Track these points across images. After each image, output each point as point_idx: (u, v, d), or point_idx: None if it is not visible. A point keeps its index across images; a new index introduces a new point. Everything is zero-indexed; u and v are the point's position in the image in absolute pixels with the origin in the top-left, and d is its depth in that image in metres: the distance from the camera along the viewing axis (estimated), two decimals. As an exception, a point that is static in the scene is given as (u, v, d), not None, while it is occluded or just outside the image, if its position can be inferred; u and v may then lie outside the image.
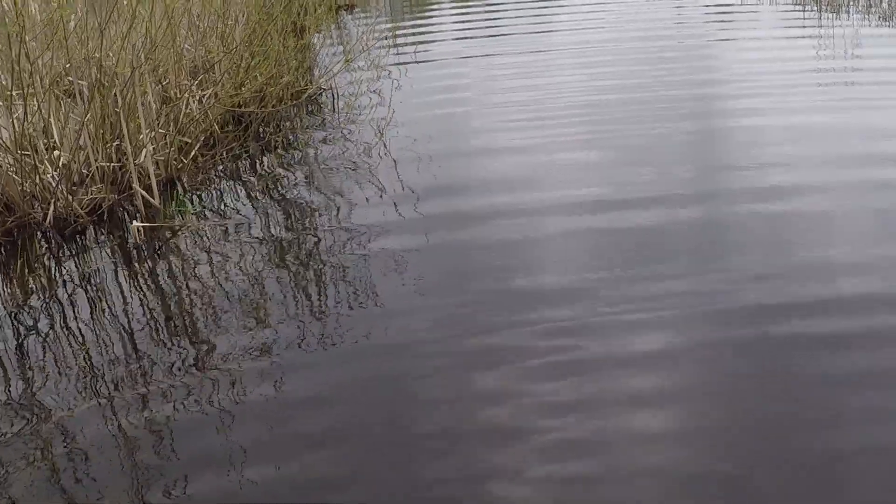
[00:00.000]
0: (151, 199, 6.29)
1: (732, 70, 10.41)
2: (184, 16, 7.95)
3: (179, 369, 4.24)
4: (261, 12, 8.36)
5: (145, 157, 6.32)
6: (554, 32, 14.89)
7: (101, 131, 6.62)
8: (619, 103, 9.02)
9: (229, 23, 8.96)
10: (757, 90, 9.23)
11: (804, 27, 12.95)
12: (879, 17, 13.10)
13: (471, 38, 15.01)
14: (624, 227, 5.53)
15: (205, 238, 5.90)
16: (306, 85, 9.66)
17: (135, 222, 5.78)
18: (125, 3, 6.68)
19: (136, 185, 6.22)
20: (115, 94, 6.38)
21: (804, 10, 14.47)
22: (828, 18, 13.43)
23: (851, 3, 14.41)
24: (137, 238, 5.78)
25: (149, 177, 6.40)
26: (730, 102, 8.76)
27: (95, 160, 6.58)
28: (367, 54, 11.26)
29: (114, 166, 6.62)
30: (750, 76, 9.93)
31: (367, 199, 6.42)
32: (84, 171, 6.74)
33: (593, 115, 8.59)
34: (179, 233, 5.94)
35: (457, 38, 14.99)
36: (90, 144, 6.56)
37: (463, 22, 17.56)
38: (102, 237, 6.16)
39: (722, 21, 15.00)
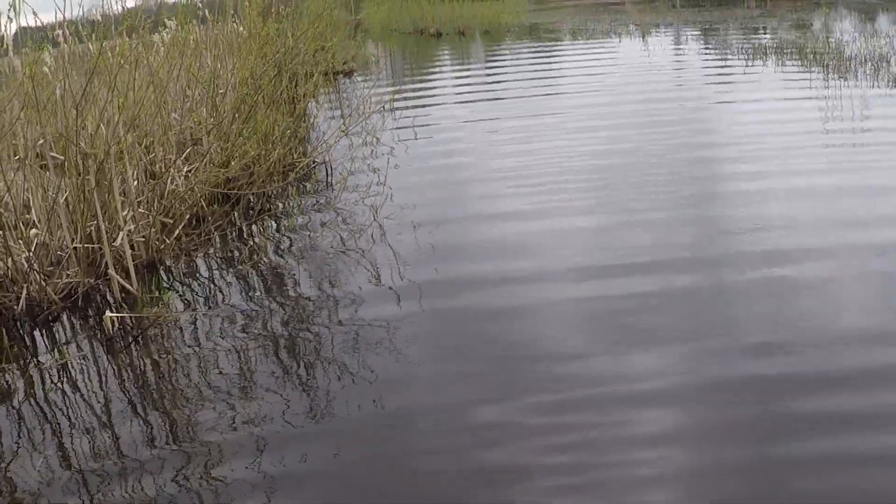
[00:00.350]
0: (128, 286, 5.87)
1: (736, 133, 10.06)
2: (167, 86, 7.59)
3: (157, 458, 3.93)
4: (248, 84, 7.98)
5: (122, 240, 5.91)
6: (555, 96, 14.63)
7: (82, 207, 6.22)
8: (619, 168, 8.71)
9: (220, 91, 8.61)
10: (761, 153, 8.86)
11: (810, 90, 12.59)
12: (888, 81, 12.78)
13: (471, 101, 14.73)
14: (624, 294, 5.34)
15: (185, 325, 5.48)
16: (299, 158, 9.27)
17: (108, 313, 5.35)
18: (110, 73, 6.31)
19: (111, 271, 5.80)
20: (91, 171, 5.99)
21: (810, 74, 14.16)
22: (834, 81, 13.09)
23: (859, 66, 14.09)
24: (111, 329, 5.35)
25: (128, 260, 5.98)
26: (733, 166, 8.43)
27: (72, 241, 6.18)
28: (364, 123, 10.89)
29: (92, 248, 6.22)
30: (754, 139, 9.57)
31: (359, 281, 5.98)
32: (60, 251, 6.34)
33: (593, 181, 8.24)
34: (158, 321, 5.52)
35: (457, 102, 14.72)
36: (66, 224, 6.16)
37: (463, 85, 17.31)
38: (78, 324, 5.75)
39: (723, 83, 14.70)
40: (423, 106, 14.51)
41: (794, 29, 24.09)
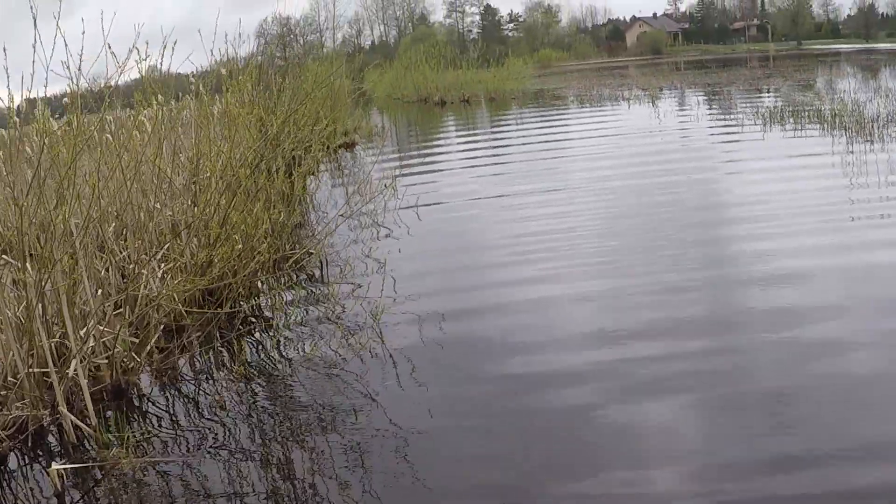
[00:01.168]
0: (82, 424, 4.87)
1: (750, 196, 9.71)
2: (135, 176, 6.65)
3: None
4: (228, 175, 7.02)
5: (75, 368, 4.93)
6: (562, 161, 14.26)
7: (34, 325, 5.27)
8: (633, 232, 8.50)
9: (205, 175, 7.66)
10: (773, 216, 8.48)
11: (827, 151, 11.84)
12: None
13: (477, 172, 13.96)
14: (637, 358, 5.23)
15: (152, 472, 4.50)
16: (293, 249, 8.30)
17: (54, 464, 4.36)
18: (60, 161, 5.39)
19: (62, 408, 4.82)
20: (34, 281, 5.04)
21: (830, 136, 13.27)
22: (860, 146, 12.19)
23: (885, 130, 13.17)
24: (58, 484, 4.36)
25: (84, 392, 4.99)
26: (747, 227, 8.18)
27: (25, 365, 5.20)
28: (365, 205, 9.98)
29: (45, 372, 5.23)
30: (766, 202, 9.20)
31: (361, 403, 5.06)
32: (13, 377, 5.35)
33: (605, 248, 7.97)
34: (115, 470, 4.53)
35: (462, 175, 13.96)
36: (14, 344, 5.19)
37: (469, 154, 16.50)
38: (27, 469, 4.76)
39: (734, 142, 14.25)
40: (429, 177, 13.79)
41: (803, 89, 23.30)
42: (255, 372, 5.81)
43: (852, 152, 11.66)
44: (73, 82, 5.48)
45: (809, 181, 10.10)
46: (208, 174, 7.11)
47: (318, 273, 8.12)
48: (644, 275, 6.96)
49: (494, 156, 15.91)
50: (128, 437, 4.74)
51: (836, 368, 4.89)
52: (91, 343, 5.34)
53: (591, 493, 3.88)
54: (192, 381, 5.78)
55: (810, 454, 3.98)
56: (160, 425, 5.11)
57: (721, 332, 5.63)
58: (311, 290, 7.58)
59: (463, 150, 17.63)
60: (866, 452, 3.95)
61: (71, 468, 4.47)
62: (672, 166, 12.17)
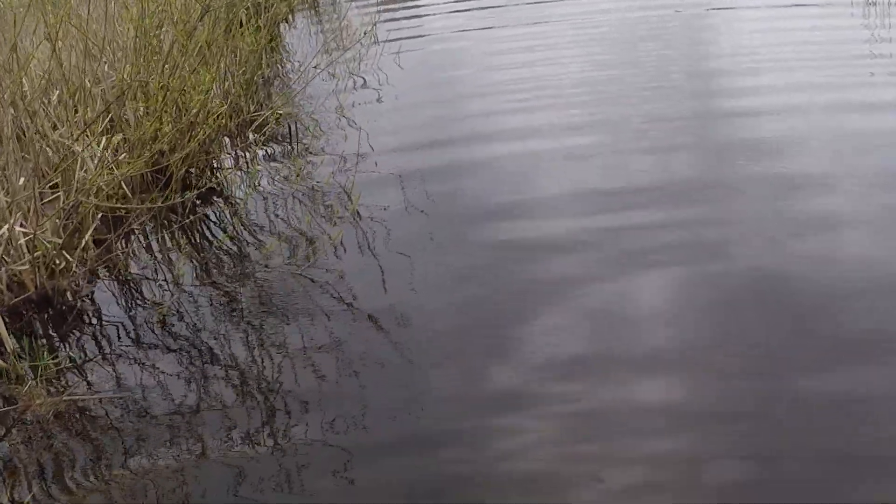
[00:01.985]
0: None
1: (758, 44, 8.44)
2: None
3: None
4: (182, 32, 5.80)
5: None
6: (550, 3, 12.68)
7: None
8: (619, 81, 7.49)
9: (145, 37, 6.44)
10: (770, 64, 7.54)
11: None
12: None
13: (462, 12, 12.62)
14: (626, 224, 4.65)
15: (83, 407, 3.58)
16: (258, 110, 7.18)
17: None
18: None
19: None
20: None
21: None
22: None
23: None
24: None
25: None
26: (740, 80, 7.23)
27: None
28: (342, 54, 8.85)
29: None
30: (775, 50, 8.03)
31: (333, 294, 4.21)
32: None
33: (592, 95, 7.11)
34: (30, 410, 3.59)
35: (449, 12, 12.64)
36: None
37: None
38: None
39: None
40: (413, 21, 12.42)
41: None
42: (213, 263, 4.84)
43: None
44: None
45: (828, 20, 9.08)
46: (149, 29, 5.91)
47: (287, 137, 7.02)
48: (634, 131, 6.20)
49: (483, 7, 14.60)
50: (43, 366, 3.77)
51: (832, 228, 4.43)
52: (6, 246, 4.32)
53: (580, 371, 3.45)
54: (137, 281, 4.79)
55: (804, 308, 3.70)
56: (97, 343, 4.15)
57: (714, 188, 5.08)
58: (279, 158, 6.51)
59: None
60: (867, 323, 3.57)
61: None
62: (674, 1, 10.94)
